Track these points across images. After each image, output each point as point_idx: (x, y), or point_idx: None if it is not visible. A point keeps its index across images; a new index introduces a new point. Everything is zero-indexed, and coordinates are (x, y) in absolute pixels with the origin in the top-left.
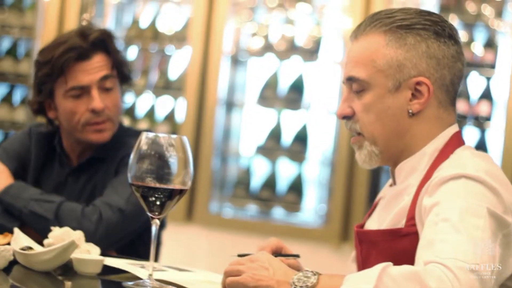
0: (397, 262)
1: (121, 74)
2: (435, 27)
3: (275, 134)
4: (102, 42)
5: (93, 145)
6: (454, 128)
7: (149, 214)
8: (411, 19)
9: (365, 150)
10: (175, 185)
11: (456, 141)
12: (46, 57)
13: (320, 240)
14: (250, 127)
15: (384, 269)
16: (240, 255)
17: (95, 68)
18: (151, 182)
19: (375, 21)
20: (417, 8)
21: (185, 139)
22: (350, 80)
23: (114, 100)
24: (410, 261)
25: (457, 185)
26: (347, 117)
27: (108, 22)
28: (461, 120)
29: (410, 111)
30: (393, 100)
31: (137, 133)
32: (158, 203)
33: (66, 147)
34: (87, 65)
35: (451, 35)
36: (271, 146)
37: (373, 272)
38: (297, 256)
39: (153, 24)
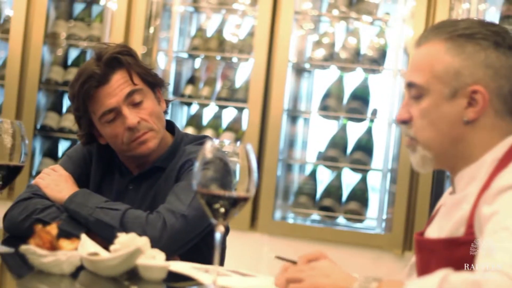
0: (456, 270)
1: (147, 82)
2: (495, 37)
3: (339, 143)
4: (116, 60)
5: (147, 157)
6: None
7: (213, 221)
8: (472, 28)
9: (418, 154)
10: (239, 192)
11: None
12: (72, 92)
13: (383, 248)
14: (314, 136)
15: (444, 277)
16: (278, 258)
17: (117, 88)
18: (215, 190)
19: (438, 29)
20: (482, 19)
21: (249, 146)
22: (409, 85)
23: (147, 110)
24: (469, 269)
25: None
26: (405, 121)
27: (174, 32)
28: None
29: (465, 119)
30: (448, 107)
31: (195, 139)
32: (222, 210)
33: (122, 160)
34: (108, 88)
35: (511, 46)
36: (335, 155)
37: (433, 280)
38: (294, 262)
39: (218, 33)
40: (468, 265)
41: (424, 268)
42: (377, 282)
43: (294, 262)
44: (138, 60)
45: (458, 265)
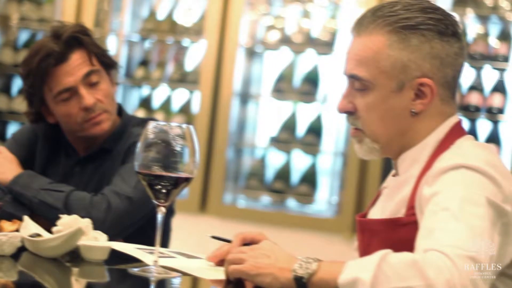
0: (397, 251)
1: (104, 63)
2: (439, 26)
3: (290, 126)
4: (76, 39)
5: (96, 138)
6: (454, 118)
7: (155, 202)
8: (415, 18)
9: (365, 146)
10: (182, 173)
11: (457, 131)
12: (26, 69)
13: (333, 231)
14: (264, 119)
15: (383, 256)
16: (214, 237)
17: (75, 67)
18: (157, 170)
19: (378, 19)
20: (420, 3)
21: (192, 128)
22: (352, 77)
23: (103, 91)
24: (410, 250)
25: (456, 175)
26: (348, 112)
27: (125, 14)
28: (474, 112)
29: (413, 110)
30: (396, 100)
31: (142, 122)
32: (164, 191)
33: (70, 141)
34: (66, 66)
35: (454, 33)
36: (285, 138)
37: (372, 259)
38: (229, 241)
39: (169, 16)
40: (409, 245)
41: (366, 249)
42: (317, 262)
43: (229, 241)
44: (95, 41)
45: (399, 246)
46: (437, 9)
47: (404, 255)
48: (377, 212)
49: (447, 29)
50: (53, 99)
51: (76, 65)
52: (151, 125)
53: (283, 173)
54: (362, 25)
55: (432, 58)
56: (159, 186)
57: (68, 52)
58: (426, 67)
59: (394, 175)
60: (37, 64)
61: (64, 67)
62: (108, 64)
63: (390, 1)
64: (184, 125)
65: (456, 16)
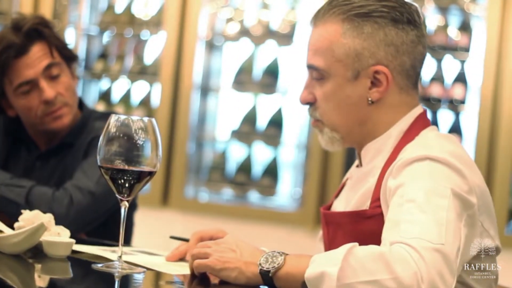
0: (362, 244)
1: (64, 56)
2: (392, 13)
3: (251, 119)
4: (36, 31)
5: (57, 132)
6: (418, 109)
7: (118, 196)
8: (368, 6)
9: (325, 135)
10: (144, 167)
11: (421, 122)
12: None
13: (296, 224)
14: (225, 111)
15: (350, 250)
16: (172, 237)
17: (36, 60)
18: (120, 165)
19: (333, 8)
20: None
21: (154, 121)
22: (310, 68)
23: (64, 84)
24: (376, 242)
25: (421, 166)
26: (309, 103)
27: (83, 7)
28: (436, 103)
29: (370, 99)
30: (352, 89)
31: (104, 116)
32: (127, 185)
33: (31, 135)
34: (27, 59)
35: (410, 20)
36: (247, 131)
37: (339, 253)
38: (187, 240)
39: (128, 9)
40: (374, 238)
41: (331, 242)
42: (283, 256)
43: (187, 241)
44: (56, 34)
45: (364, 238)
46: None
47: (371, 248)
48: (341, 204)
49: (402, 16)
50: (13, 92)
51: (37, 57)
52: (112, 119)
53: (245, 166)
54: (318, 15)
55: (386, 45)
56: (122, 181)
57: (29, 44)
58: (380, 55)
59: (357, 166)
60: None
61: (25, 60)
62: (69, 57)
63: None
64: (146, 119)
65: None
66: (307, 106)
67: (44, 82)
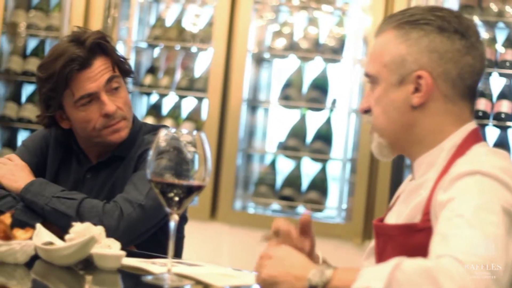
0: (411, 257)
1: (123, 70)
2: (439, 21)
3: (299, 133)
4: (99, 46)
5: (110, 145)
6: (472, 125)
7: (168, 210)
8: (418, 15)
9: (375, 141)
10: (194, 181)
11: (474, 137)
12: (47, 73)
13: (343, 237)
14: (273, 125)
15: (397, 264)
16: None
17: (98, 73)
18: (169, 178)
19: (390, 19)
20: (433, 6)
21: (204, 135)
22: (365, 76)
23: (123, 98)
24: (425, 255)
25: (472, 181)
26: (366, 111)
27: (133, 21)
28: (483, 119)
29: (412, 104)
30: (397, 93)
31: (154, 129)
32: (176, 199)
33: (83, 148)
34: (90, 72)
35: (458, 30)
36: (294, 144)
37: (386, 268)
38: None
39: (177, 23)
40: (423, 251)
41: (381, 254)
42: (332, 270)
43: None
44: (115, 49)
45: (414, 251)
46: (444, 9)
47: (418, 262)
48: (394, 216)
49: (450, 25)
50: (73, 104)
51: (99, 71)
52: (162, 133)
53: (293, 180)
54: (379, 27)
55: (430, 51)
56: (172, 194)
57: (92, 58)
58: (423, 61)
59: (411, 180)
60: (60, 68)
61: (87, 73)
62: (126, 71)
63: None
64: (195, 132)
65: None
66: (366, 115)
67: (105, 95)
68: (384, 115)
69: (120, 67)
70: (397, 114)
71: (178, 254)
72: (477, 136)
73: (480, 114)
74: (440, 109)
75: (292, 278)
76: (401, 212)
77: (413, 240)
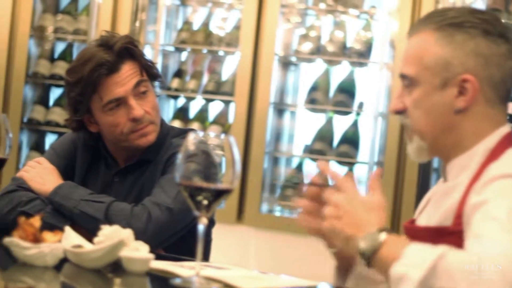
0: None
1: (150, 75)
2: (485, 25)
3: (325, 136)
4: (127, 50)
5: (139, 149)
6: (506, 128)
7: (196, 213)
8: (461, 17)
9: (414, 144)
10: (222, 184)
11: (508, 141)
12: (75, 77)
13: None
14: (300, 129)
15: (442, 255)
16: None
17: (126, 78)
18: (198, 182)
19: (427, 20)
20: (471, 8)
21: (232, 139)
22: (402, 76)
23: (151, 102)
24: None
25: (505, 184)
26: (399, 112)
27: (160, 24)
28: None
29: (456, 108)
30: (439, 97)
31: (182, 132)
32: (205, 202)
33: (111, 151)
34: (118, 77)
35: (502, 34)
36: (321, 148)
37: (433, 252)
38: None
39: (204, 26)
40: None
41: None
42: (387, 233)
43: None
44: (143, 53)
45: None
46: (486, 12)
47: (463, 258)
48: (424, 219)
49: (494, 29)
50: (101, 108)
51: (127, 76)
52: (190, 136)
53: None
54: (414, 27)
55: (475, 55)
56: (200, 198)
57: (120, 63)
58: (469, 64)
59: (443, 182)
60: (88, 73)
61: (115, 78)
62: (154, 75)
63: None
64: (223, 136)
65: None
66: (400, 116)
67: (133, 100)
68: (425, 118)
69: (148, 71)
70: (439, 117)
71: (205, 257)
72: (511, 140)
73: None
74: (481, 113)
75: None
76: (432, 215)
77: (444, 243)
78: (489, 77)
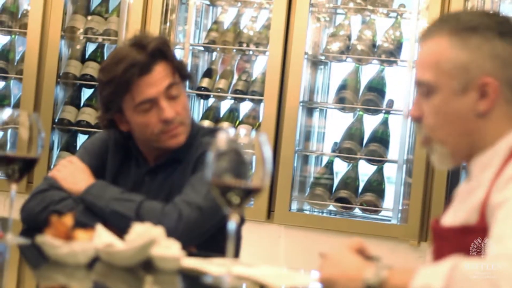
0: (468, 257)
1: (182, 76)
2: (499, 27)
3: (355, 135)
4: (160, 51)
5: (169, 149)
6: None
7: (227, 211)
8: (475, 20)
9: (436, 152)
10: (253, 182)
11: None
12: (108, 76)
13: (399, 239)
14: (330, 128)
15: (455, 265)
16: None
17: (159, 79)
18: (229, 180)
19: (441, 24)
20: (484, 10)
21: (263, 137)
22: (419, 83)
23: (182, 104)
24: (481, 256)
25: None
26: (417, 119)
27: (190, 24)
28: None
29: (478, 111)
30: (460, 102)
31: (211, 131)
32: (235, 200)
33: (142, 150)
34: (150, 78)
35: None
36: (351, 147)
37: (444, 267)
38: (377, 259)
39: (234, 26)
40: (479, 253)
41: (438, 255)
42: (388, 269)
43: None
44: (175, 54)
45: (470, 252)
46: (496, 13)
47: (476, 263)
48: (450, 217)
49: (509, 30)
50: (133, 108)
51: (160, 77)
52: (221, 135)
53: (349, 182)
54: (427, 32)
55: (493, 58)
56: (231, 196)
57: (152, 64)
58: (487, 67)
59: (467, 181)
60: (121, 73)
61: (148, 78)
62: (185, 76)
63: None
64: (254, 134)
65: None
66: (416, 123)
67: (165, 101)
68: (446, 125)
69: (180, 72)
70: (461, 122)
71: (235, 255)
72: None
73: None
74: (502, 114)
75: (346, 279)
76: (457, 213)
77: (469, 241)
78: (507, 78)
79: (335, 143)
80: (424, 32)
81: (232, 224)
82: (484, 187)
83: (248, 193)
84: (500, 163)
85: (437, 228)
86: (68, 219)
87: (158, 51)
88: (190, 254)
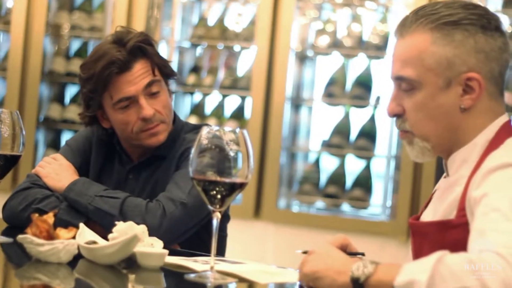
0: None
1: (164, 73)
2: (481, 21)
3: (343, 130)
4: (140, 48)
5: (150, 147)
6: (504, 118)
7: (210, 207)
8: (456, 14)
9: (416, 146)
10: (236, 178)
11: (507, 130)
12: (87, 73)
13: (387, 235)
14: (317, 123)
15: (440, 258)
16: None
17: (138, 77)
18: (212, 176)
19: (420, 18)
20: (462, 2)
21: (246, 132)
22: (399, 79)
23: (162, 102)
24: (461, 251)
25: (504, 174)
26: (397, 115)
27: (176, 21)
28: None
29: (462, 106)
30: (444, 97)
31: (195, 128)
32: (219, 196)
33: (125, 147)
34: (129, 75)
35: (497, 27)
36: (339, 142)
37: (429, 261)
38: (362, 254)
39: (220, 22)
40: (460, 247)
41: (417, 252)
42: (375, 264)
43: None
44: (158, 51)
45: (450, 248)
46: (478, 6)
47: (460, 256)
48: (429, 214)
49: (490, 24)
50: (112, 106)
51: (139, 75)
52: (204, 131)
53: (337, 178)
54: (404, 26)
55: (476, 52)
56: (214, 192)
57: (132, 61)
58: (471, 62)
59: (445, 177)
60: (100, 70)
61: (127, 76)
62: (167, 74)
63: (431, 2)
64: (237, 130)
65: (505, 16)
66: (396, 119)
67: (144, 99)
68: (429, 120)
69: (161, 70)
70: (445, 118)
71: (220, 253)
72: (510, 129)
73: (506, 106)
74: (485, 108)
75: (333, 273)
76: (436, 210)
77: (449, 236)
78: (490, 72)
79: (323, 139)
80: (401, 27)
81: (215, 221)
82: (463, 182)
83: (231, 189)
84: (477, 157)
85: (416, 224)
86: (49, 217)
87: (138, 48)
88: (173, 252)
